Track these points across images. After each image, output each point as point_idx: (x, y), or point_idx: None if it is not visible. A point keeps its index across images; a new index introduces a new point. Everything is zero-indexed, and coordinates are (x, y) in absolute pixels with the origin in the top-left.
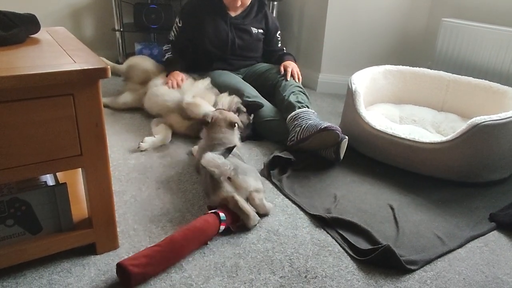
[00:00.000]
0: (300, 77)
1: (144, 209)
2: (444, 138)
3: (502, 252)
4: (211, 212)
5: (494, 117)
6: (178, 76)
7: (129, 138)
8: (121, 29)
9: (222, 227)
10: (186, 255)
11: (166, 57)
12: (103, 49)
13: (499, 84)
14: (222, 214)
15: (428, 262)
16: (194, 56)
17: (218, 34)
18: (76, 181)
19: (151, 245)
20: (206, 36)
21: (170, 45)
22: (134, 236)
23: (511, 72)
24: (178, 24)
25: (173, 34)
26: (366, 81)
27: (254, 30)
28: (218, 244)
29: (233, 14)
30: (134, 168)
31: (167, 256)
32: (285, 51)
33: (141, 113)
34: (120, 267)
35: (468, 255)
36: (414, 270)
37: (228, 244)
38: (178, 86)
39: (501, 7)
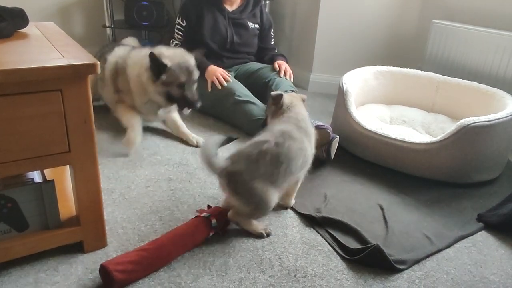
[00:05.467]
0: (292, 76)
1: (133, 208)
2: (433, 139)
3: (490, 252)
4: (203, 217)
5: (483, 118)
6: (218, 70)
7: (118, 135)
8: (112, 26)
9: (212, 233)
10: (173, 260)
11: None
12: (93, 45)
13: (488, 86)
14: (214, 221)
15: (417, 261)
16: None
17: (217, 29)
18: (64, 179)
19: (139, 247)
20: (206, 30)
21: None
22: (122, 234)
23: (500, 74)
24: (182, 23)
25: (178, 37)
26: (357, 82)
27: (251, 24)
28: (207, 243)
29: (230, 8)
30: (123, 166)
31: (153, 263)
32: (276, 52)
33: None
34: (104, 270)
35: (456, 255)
36: (402, 270)
37: (218, 243)
38: (226, 80)
39: (491, 10)
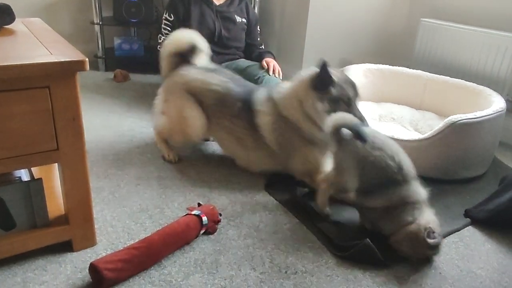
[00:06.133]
0: (281, 74)
1: (123, 206)
2: (421, 136)
3: (477, 247)
4: (194, 215)
5: (470, 115)
6: None
7: (107, 133)
8: (100, 23)
9: (202, 231)
10: (163, 258)
11: None
12: (81, 43)
13: (475, 84)
14: (204, 218)
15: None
16: None
17: (204, 22)
18: (53, 177)
19: (129, 245)
20: (193, 24)
21: None
22: (112, 233)
23: (487, 72)
24: (169, 18)
25: (166, 32)
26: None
27: (238, 19)
28: (198, 241)
29: (217, 2)
30: (113, 164)
31: (144, 261)
32: (264, 49)
33: (119, 106)
34: (94, 268)
35: (444, 250)
36: (391, 264)
37: (209, 241)
38: None
39: (478, 8)
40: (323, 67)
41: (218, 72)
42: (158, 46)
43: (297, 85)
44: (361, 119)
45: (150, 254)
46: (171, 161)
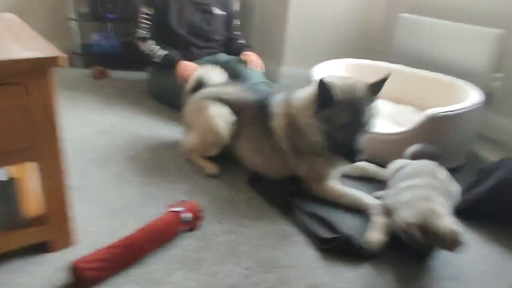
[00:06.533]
0: (263, 67)
1: (104, 204)
2: (400, 130)
3: None
4: (175, 211)
5: (448, 109)
6: (190, 66)
7: (87, 131)
8: (76, 18)
9: (185, 228)
10: (145, 256)
11: (159, 55)
12: (57, 39)
13: (453, 77)
14: (187, 215)
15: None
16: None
17: (183, 15)
18: (31, 176)
19: (110, 244)
20: (172, 17)
21: (151, 41)
22: (92, 232)
23: (464, 65)
24: (147, 12)
25: (144, 26)
26: (328, 75)
27: (217, 11)
28: (181, 238)
29: None
30: (93, 163)
31: (125, 259)
32: (244, 42)
33: (99, 103)
34: (74, 268)
35: None
36: (372, 257)
37: (192, 237)
38: None
39: (455, 3)
40: (321, 86)
41: (232, 84)
42: (137, 41)
43: (313, 90)
44: (356, 149)
45: (131, 252)
46: (213, 175)
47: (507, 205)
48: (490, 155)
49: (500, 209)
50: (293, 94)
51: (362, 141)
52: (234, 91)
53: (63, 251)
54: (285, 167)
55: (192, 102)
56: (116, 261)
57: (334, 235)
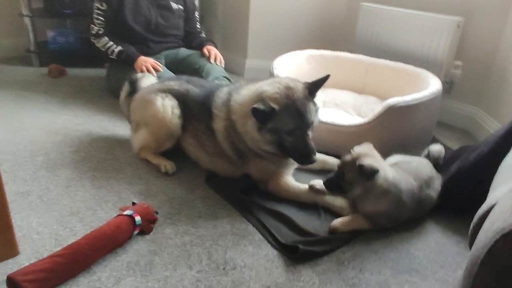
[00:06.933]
0: (223, 61)
1: (52, 210)
2: (361, 121)
3: (415, 228)
4: (126, 215)
5: (407, 98)
6: (148, 60)
7: (38, 133)
8: (30, 15)
9: (136, 232)
10: (92, 264)
11: (115, 52)
12: (9, 36)
13: (413, 66)
14: (138, 218)
15: (346, 240)
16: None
17: (139, 10)
18: None
19: (52, 254)
20: (128, 12)
21: (105, 38)
22: (38, 240)
23: (424, 54)
24: (101, 7)
25: (98, 22)
26: (289, 66)
27: (174, 5)
28: (132, 242)
29: None
30: (42, 166)
31: (69, 269)
32: (204, 36)
33: (54, 103)
34: (11, 281)
35: (384, 233)
36: (332, 250)
37: (143, 241)
38: (156, 70)
39: None
40: (254, 111)
41: (174, 78)
42: (92, 37)
43: (250, 98)
44: (308, 151)
45: (76, 260)
46: (167, 173)
47: (464, 193)
48: (451, 142)
49: (457, 198)
50: (235, 95)
51: (311, 141)
52: (176, 83)
53: (4, 263)
54: (232, 167)
55: (137, 99)
56: (59, 271)
57: (294, 241)
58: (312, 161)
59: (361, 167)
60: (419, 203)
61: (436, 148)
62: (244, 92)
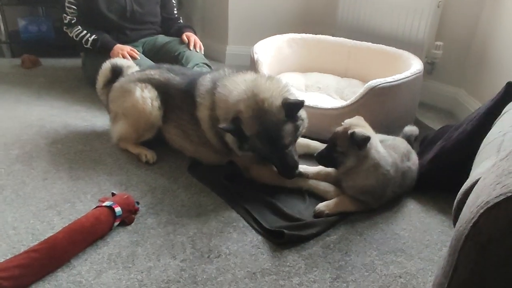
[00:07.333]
0: (202, 48)
1: (28, 204)
2: (344, 103)
3: (399, 209)
4: (105, 206)
5: (389, 79)
6: (124, 48)
7: (12, 125)
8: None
9: (117, 223)
10: (71, 258)
11: (90, 41)
12: None
13: (394, 48)
14: (118, 209)
15: (332, 223)
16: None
17: None
18: None
19: (28, 249)
20: (101, 1)
21: (79, 27)
22: (13, 235)
23: (405, 35)
24: None
25: (70, 11)
26: (271, 51)
27: None
28: (112, 233)
29: None
30: (17, 159)
31: (46, 264)
32: (182, 22)
33: (28, 95)
34: None
35: (369, 215)
36: (318, 234)
37: (125, 233)
38: (133, 57)
39: None
40: (231, 128)
41: (155, 67)
42: (64, 27)
43: (231, 106)
44: (288, 168)
45: (53, 255)
46: (148, 162)
47: (446, 172)
48: (434, 123)
49: (440, 177)
50: (220, 88)
51: (292, 156)
52: (156, 72)
53: None
54: (216, 155)
55: (115, 88)
56: (35, 266)
57: (279, 226)
58: (293, 176)
59: (353, 134)
60: (402, 175)
61: (409, 128)
62: (229, 87)
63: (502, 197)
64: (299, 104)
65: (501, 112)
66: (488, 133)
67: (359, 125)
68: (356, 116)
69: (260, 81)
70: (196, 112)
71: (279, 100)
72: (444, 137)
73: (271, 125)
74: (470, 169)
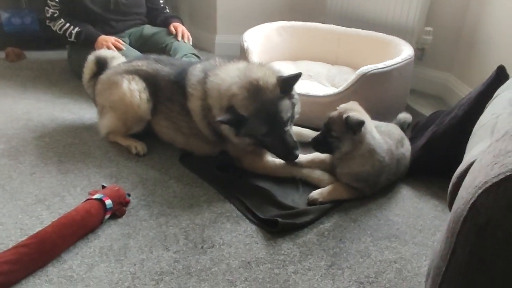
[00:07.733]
0: (190, 39)
1: (15, 199)
2: (336, 90)
3: (393, 195)
4: (95, 199)
5: (380, 65)
6: (109, 39)
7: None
8: None
9: (107, 216)
10: (62, 252)
11: (73, 34)
12: None
13: (384, 34)
14: (108, 202)
15: (326, 211)
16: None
17: None
18: None
19: (17, 244)
20: None
21: (61, 21)
22: (1, 231)
23: (395, 21)
24: None
25: (53, 4)
26: (260, 39)
27: None
28: (104, 226)
29: None
30: (4, 154)
31: (35, 259)
32: (168, 12)
33: (13, 88)
34: None
35: (362, 202)
36: (312, 222)
37: (116, 225)
38: (119, 48)
39: None
40: (227, 120)
41: (142, 58)
42: (47, 20)
43: (224, 94)
44: (289, 149)
45: (43, 250)
46: (139, 154)
47: (439, 157)
48: (425, 109)
49: (433, 162)
50: (212, 77)
51: (291, 137)
52: (144, 63)
53: None
54: (208, 145)
55: (102, 81)
56: (24, 261)
57: (273, 214)
58: (295, 157)
59: (348, 118)
60: (397, 162)
61: (402, 115)
62: (221, 76)
63: (501, 176)
64: (295, 77)
65: (492, 96)
66: (481, 117)
67: (354, 110)
68: (351, 101)
69: (252, 67)
70: (187, 103)
71: (273, 78)
72: (435, 122)
73: (267, 102)
74: (463, 154)
